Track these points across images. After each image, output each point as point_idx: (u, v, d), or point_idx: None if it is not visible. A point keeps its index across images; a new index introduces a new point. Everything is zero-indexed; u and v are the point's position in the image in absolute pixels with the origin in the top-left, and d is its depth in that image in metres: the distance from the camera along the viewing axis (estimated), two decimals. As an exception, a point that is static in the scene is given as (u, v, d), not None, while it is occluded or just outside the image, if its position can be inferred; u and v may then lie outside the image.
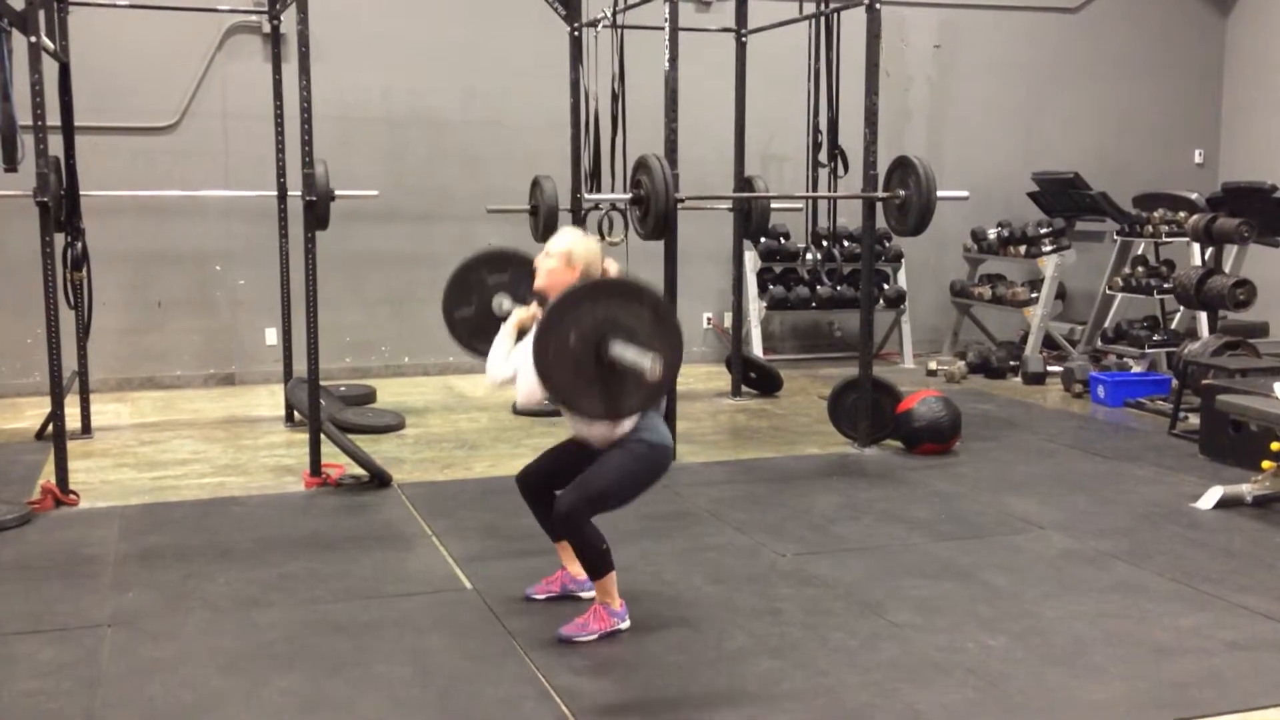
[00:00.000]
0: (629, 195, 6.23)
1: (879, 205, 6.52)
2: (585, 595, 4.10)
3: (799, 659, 3.71)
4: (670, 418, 6.23)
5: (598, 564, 3.83)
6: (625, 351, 3.43)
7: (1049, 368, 8.87)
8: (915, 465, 6.21)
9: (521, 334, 3.97)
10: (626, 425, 3.77)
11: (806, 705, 3.40)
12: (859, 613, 4.10)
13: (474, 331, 4.51)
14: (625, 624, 3.90)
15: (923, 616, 4.07)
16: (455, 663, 3.69)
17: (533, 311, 4.00)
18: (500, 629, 3.95)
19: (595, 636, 3.82)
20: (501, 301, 4.42)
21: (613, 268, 3.95)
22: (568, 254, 3.85)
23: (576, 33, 7.41)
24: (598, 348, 3.47)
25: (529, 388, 3.71)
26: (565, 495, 3.80)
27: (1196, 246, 8.03)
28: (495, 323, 4.28)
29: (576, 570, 4.16)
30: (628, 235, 6.94)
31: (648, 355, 3.37)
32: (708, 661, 3.69)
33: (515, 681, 3.55)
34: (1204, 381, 6.61)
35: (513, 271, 4.51)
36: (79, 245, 6.54)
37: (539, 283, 3.91)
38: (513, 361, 3.90)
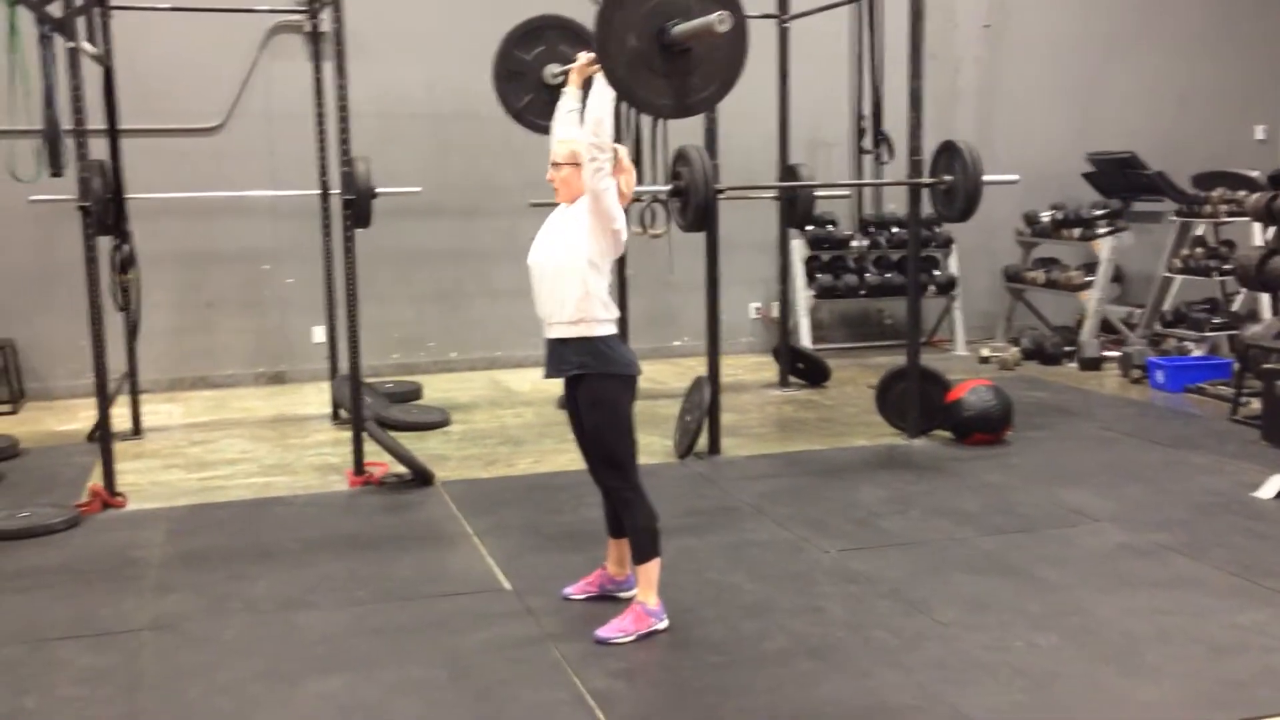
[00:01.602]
0: (669, 187, 6.16)
1: (926, 191, 6.39)
2: (623, 596, 4.05)
3: (840, 660, 3.63)
4: (714, 409, 6.17)
5: (645, 545, 3.82)
6: (688, 25, 3.33)
7: (1106, 353, 8.67)
8: (965, 456, 6.09)
9: (588, 87, 3.79)
10: (595, 318, 3.72)
11: (847, 708, 3.33)
12: (903, 611, 4.01)
13: (540, 112, 4.43)
14: (663, 623, 3.85)
15: (970, 614, 3.97)
16: (491, 665, 3.65)
17: (586, 59, 3.79)
18: (537, 630, 3.91)
19: (633, 638, 3.77)
20: (552, 69, 4.33)
21: None
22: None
23: (616, 23, 7.33)
24: (660, 38, 3.38)
25: (596, 109, 3.52)
26: (606, 480, 3.87)
27: (1258, 226, 7.79)
28: (555, 93, 4.16)
29: (617, 571, 4.13)
30: (670, 227, 6.86)
31: (711, 13, 3.26)
32: (746, 663, 3.63)
33: (551, 685, 3.51)
34: (1265, 365, 6.42)
35: (546, 39, 4.43)
36: (126, 248, 6.59)
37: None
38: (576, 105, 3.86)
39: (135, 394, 7.01)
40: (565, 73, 4.02)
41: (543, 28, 4.49)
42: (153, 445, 6.76)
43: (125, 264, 6.63)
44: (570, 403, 3.92)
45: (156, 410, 7.59)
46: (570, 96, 3.95)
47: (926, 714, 3.29)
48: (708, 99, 3.55)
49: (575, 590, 4.17)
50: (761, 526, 4.99)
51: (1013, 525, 4.95)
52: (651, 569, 3.84)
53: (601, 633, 3.79)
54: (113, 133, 6.50)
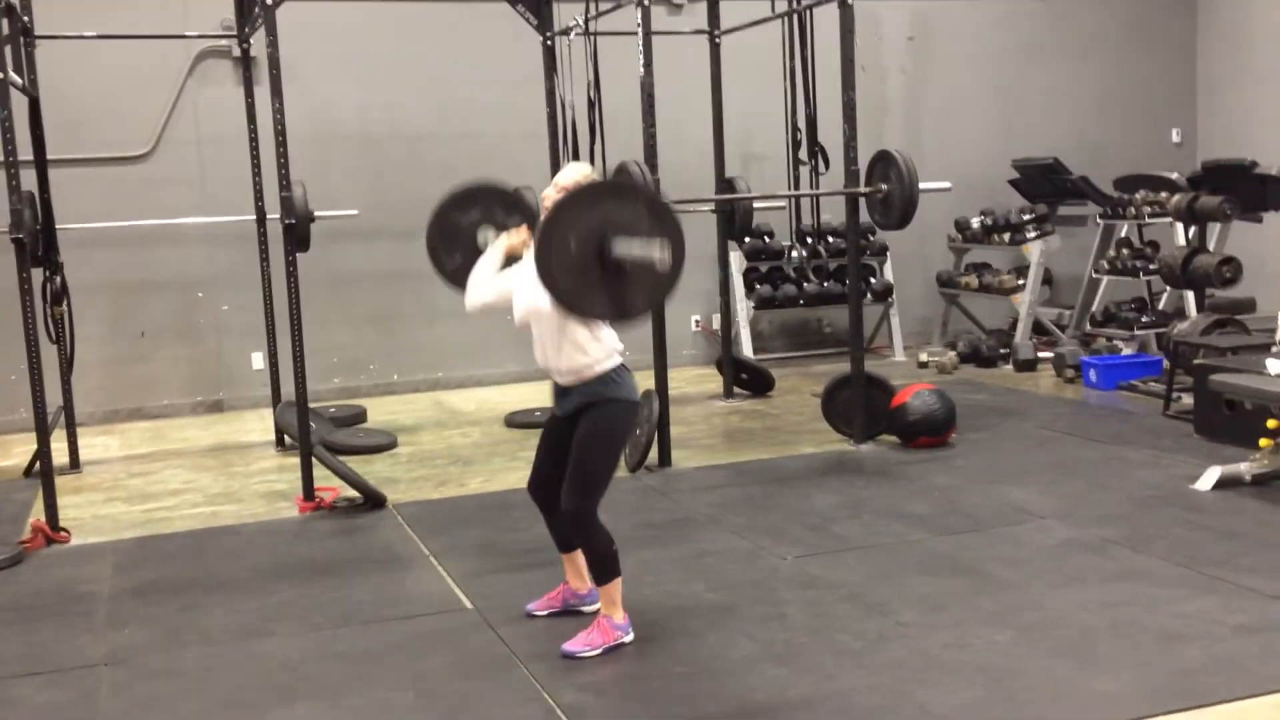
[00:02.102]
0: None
1: (862, 200, 6.50)
2: (587, 609, 4.06)
3: (805, 664, 3.67)
4: (664, 422, 6.20)
5: (605, 567, 3.81)
6: (630, 248, 3.42)
7: (1040, 354, 8.85)
8: (912, 460, 6.18)
9: (510, 260, 4.01)
10: (597, 363, 3.76)
11: (816, 711, 3.36)
12: (864, 613, 4.07)
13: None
14: (629, 637, 3.86)
15: (928, 614, 4.04)
16: (458, 685, 3.64)
17: (522, 236, 4.01)
18: (502, 648, 3.91)
19: (599, 651, 3.78)
20: (486, 236, 4.42)
21: None
22: (577, 185, 3.77)
23: (549, 42, 7.38)
24: (600, 250, 3.46)
25: (525, 303, 3.77)
26: (566, 499, 3.80)
27: (1180, 226, 8.01)
28: None
29: (578, 584, 4.13)
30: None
31: (654, 244, 3.35)
32: (713, 672, 3.65)
33: (519, 701, 3.50)
34: (1195, 361, 6.60)
35: (482, 204, 4.51)
36: (58, 280, 6.48)
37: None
38: (501, 282, 3.99)
39: (71, 427, 6.87)
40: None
41: (479, 194, 4.60)
42: (92, 479, 6.63)
43: (57, 296, 6.53)
44: (558, 422, 3.91)
45: (93, 443, 7.44)
46: (495, 252, 4.08)
47: (894, 714, 3.33)
48: (641, 308, 3.68)
49: (538, 606, 4.16)
50: (717, 536, 5.03)
51: (963, 525, 5.03)
52: (613, 589, 3.85)
53: (568, 647, 3.79)
54: (41, 163, 6.39)
